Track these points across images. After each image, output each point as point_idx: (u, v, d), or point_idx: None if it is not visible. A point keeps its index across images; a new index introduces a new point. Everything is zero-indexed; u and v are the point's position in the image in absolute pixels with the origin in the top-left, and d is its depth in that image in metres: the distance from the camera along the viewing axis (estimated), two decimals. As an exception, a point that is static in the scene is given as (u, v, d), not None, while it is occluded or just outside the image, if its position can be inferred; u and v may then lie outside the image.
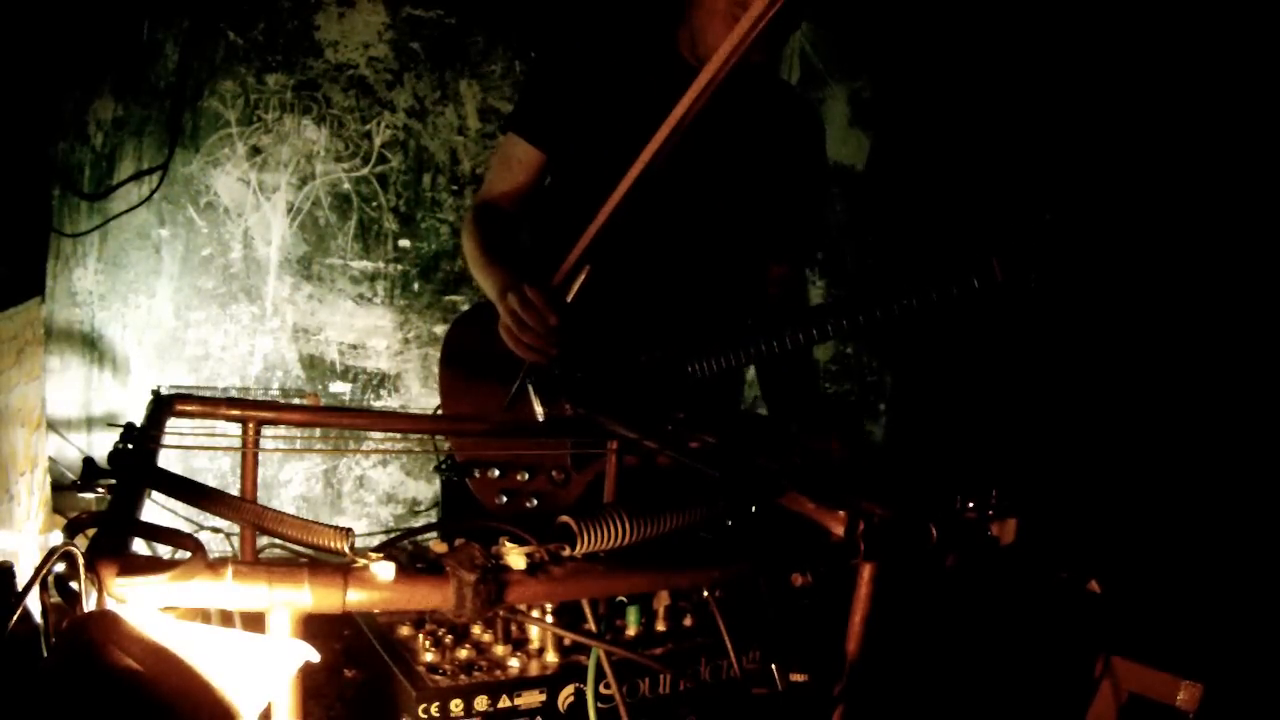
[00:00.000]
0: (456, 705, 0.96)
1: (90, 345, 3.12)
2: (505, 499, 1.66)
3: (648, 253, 1.83)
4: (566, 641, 1.06)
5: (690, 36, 1.79)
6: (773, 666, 1.07)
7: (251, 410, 1.33)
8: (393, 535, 1.00)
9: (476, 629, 1.08)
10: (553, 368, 1.65)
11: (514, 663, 1.03)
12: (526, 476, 1.64)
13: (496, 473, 1.64)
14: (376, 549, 0.81)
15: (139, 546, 0.79)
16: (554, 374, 1.66)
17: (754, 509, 1.14)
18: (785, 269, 2.05)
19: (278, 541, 1.32)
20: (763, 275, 2.03)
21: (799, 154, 1.97)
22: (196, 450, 1.32)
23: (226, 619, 0.87)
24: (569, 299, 1.62)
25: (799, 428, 1.89)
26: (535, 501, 1.67)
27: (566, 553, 0.83)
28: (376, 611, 1.08)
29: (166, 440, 1.19)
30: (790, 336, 1.64)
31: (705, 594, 1.12)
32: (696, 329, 1.85)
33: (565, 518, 0.85)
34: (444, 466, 1.89)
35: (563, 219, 1.93)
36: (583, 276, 1.62)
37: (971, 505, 1.04)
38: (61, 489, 2.45)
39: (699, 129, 1.53)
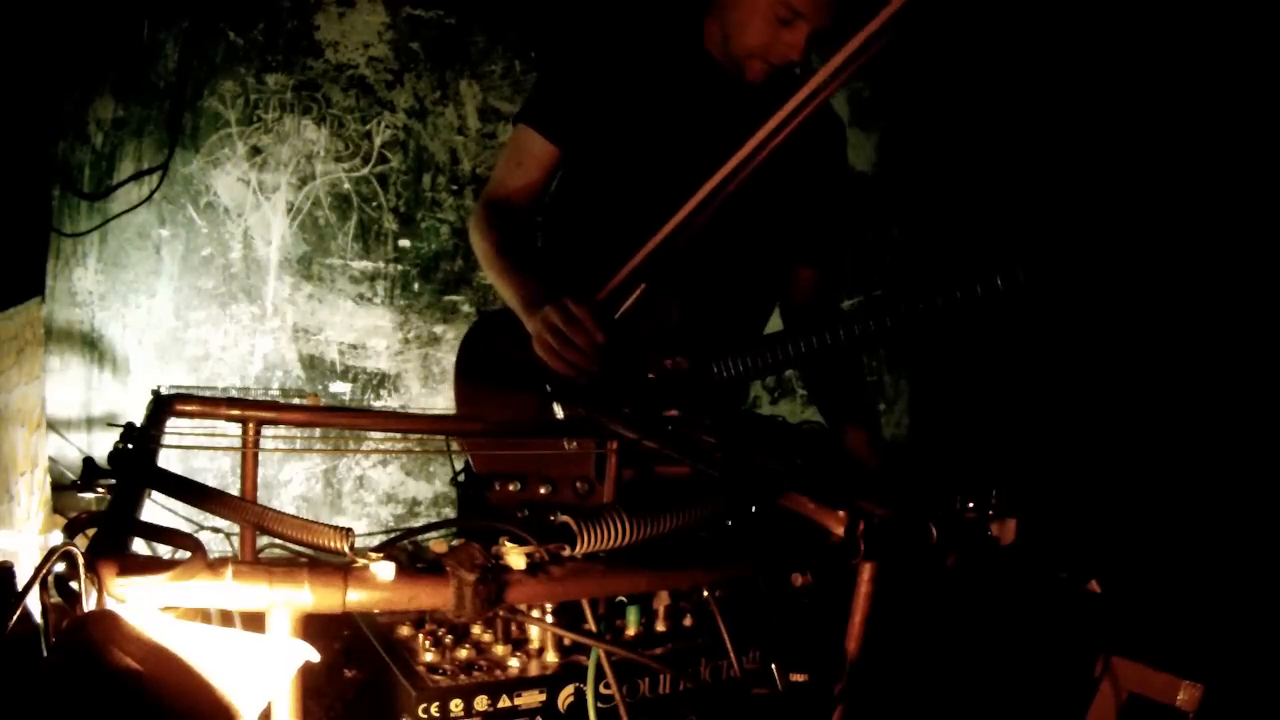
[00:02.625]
0: (456, 705, 0.96)
1: (90, 345, 3.12)
2: (527, 513, 1.54)
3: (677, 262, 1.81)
4: (566, 641, 1.06)
5: (721, 31, 1.73)
6: (773, 666, 1.07)
7: (251, 410, 1.33)
8: (393, 535, 1.00)
9: (476, 629, 1.08)
10: (590, 383, 1.58)
11: (514, 663, 1.03)
12: (550, 489, 1.55)
13: (517, 485, 1.54)
14: (376, 549, 0.81)
15: (139, 546, 0.79)
16: (580, 385, 1.59)
17: (754, 509, 1.14)
18: (813, 273, 2.02)
19: (278, 541, 1.32)
20: (789, 281, 2.01)
21: (824, 157, 1.94)
22: (196, 450, 1.32)
23: (226, 619, 0.87)
24: (617, 316, 1.54)
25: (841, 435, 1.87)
26: (560, 515, 1.58)
27: (566, 553, 0.83)
28: (376, 611, 1.08)
29: (166, 440, 1.19)
30: (817, 338, 1.58)
31: (705, 594, 1.12)
32: (724, 335, 1.82)
33: (565, 517, 0.85)
34: (460, 480, 1.82)
35: (580, 221, 1.89)
36: (637, 294, 1.54)
37: (971, 505, 1.04)
38: (61, 489, 2.44)
39: (730, 139, 1.49)
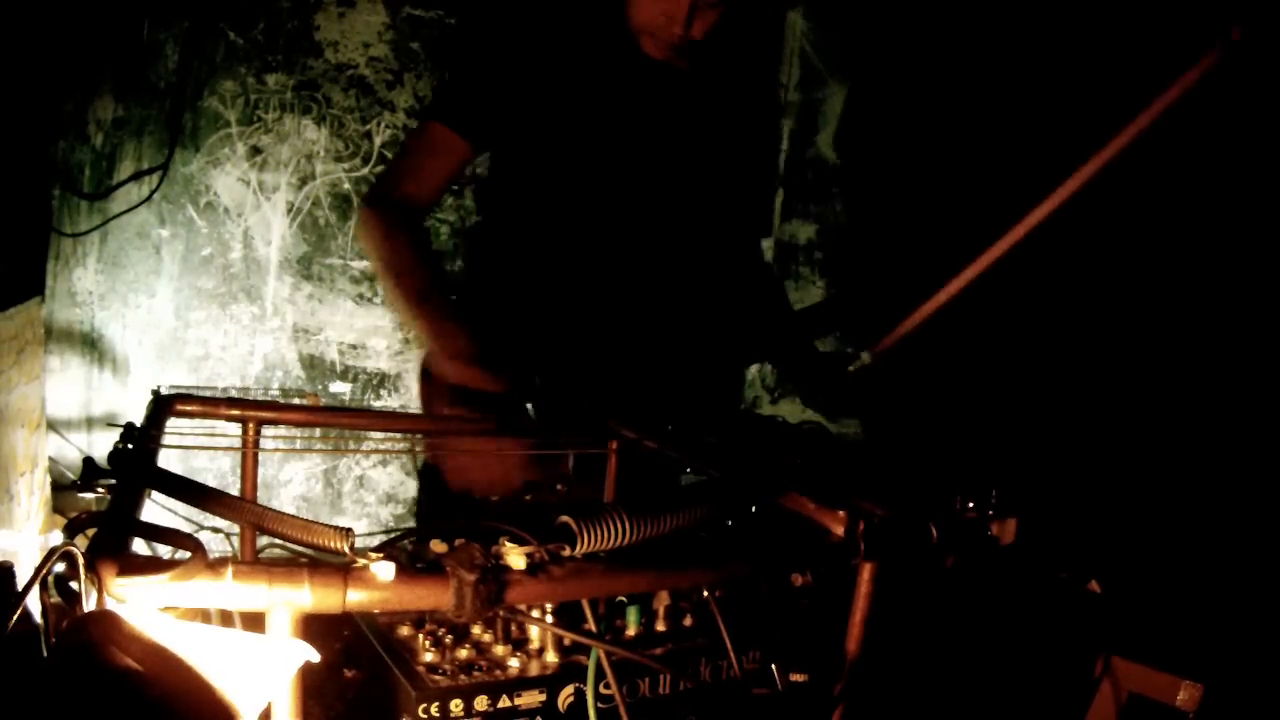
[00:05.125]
0: (456, 705, 0.96)
1: (90, 345, 3.11)
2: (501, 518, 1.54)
3: (621, 258, 1.79)
4: (566, 641, 1.06)
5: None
6: (773, 666, 1.07)
7: (251, 410, 1.33)
8: (393, 535, 1.01)
9: (476, 629, 1.08)
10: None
11: (514, 663, 1.03)
12: (528, 499, 1.51)
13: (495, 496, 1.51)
14: (376, 549, 0.81)
15: (139, 546, 0.79)
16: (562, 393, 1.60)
17: (754, 509, 1.14)
18: (755, 245, 2.06)
19: (278, 541, 1.32)
20: (739, 257, 2.01)
21: (746, 122, 1.93)
22: (196, 450, 1.32)
23: (226, 619, 0.87)
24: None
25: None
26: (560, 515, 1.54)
27: (566, 553, 0.83)
28: (376, 611, 1.08)
29: (166, 440, 1.19)
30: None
31: (705, 594, 1.12)
32: (685, 321, 1.84)
33: (565, 517, 0.85)
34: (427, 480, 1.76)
35: (511, 216, 1.86)
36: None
37: (971, 505, 1.04)
38: (61, 489, 2.44)
39: (661, 125, 1.47)
